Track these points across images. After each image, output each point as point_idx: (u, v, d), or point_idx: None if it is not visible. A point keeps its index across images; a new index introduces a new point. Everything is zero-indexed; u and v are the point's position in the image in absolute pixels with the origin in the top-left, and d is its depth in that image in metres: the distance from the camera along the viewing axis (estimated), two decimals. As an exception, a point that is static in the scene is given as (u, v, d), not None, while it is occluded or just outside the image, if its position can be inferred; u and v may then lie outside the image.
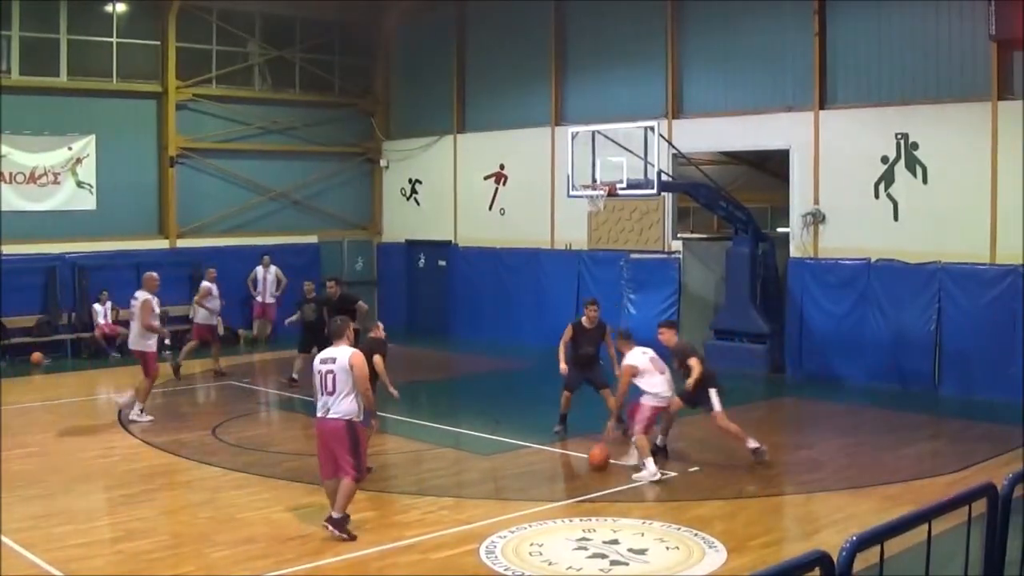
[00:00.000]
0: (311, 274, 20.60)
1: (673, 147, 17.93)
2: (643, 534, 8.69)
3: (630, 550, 8.24)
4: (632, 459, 11.00)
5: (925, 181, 15.82)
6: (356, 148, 24.37)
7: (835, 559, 3.41)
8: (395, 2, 23.68)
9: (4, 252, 18.93)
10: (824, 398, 15.52)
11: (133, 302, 13.82)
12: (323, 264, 22.75)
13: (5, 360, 18.64)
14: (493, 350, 18.71)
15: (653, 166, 15.92)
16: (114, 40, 20.76)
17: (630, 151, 16.05)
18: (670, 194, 18.15)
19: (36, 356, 18.69)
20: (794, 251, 17.36)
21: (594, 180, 16.30)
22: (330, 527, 8.49)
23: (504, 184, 21.92)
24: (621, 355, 11.59)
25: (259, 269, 21.52)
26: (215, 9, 22.03)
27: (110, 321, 19.90)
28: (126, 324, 20.14)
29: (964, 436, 12.70)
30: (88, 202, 20.44)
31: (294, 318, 16.83)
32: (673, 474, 10.82)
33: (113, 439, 12.66)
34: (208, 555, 8.22)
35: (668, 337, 11.77)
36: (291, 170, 23.39)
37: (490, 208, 22.12)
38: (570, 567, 7.88)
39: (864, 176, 16.38)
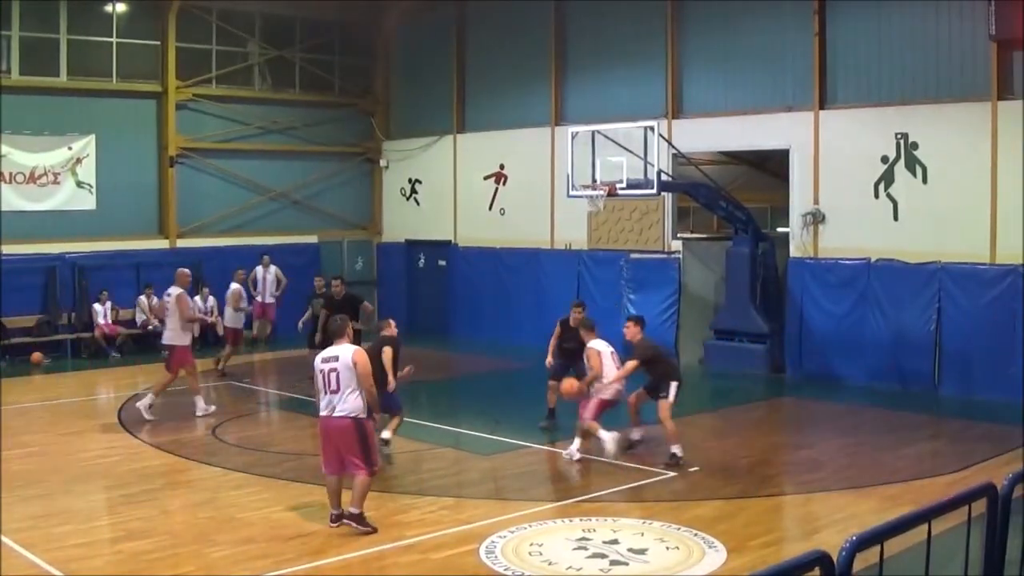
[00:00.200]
0: (311, 274, 20.61)
1: (673, 147, 17.93)
2: (643, 534, 8.69)
3: (630, 550, 8.24)
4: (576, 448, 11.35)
5: (925, 181, 15.82)
6: (356, 148, 24.37)
7: (835, 559, 3.41)
8: (395, 2, 23.68)
9: (4, 252, 18.93)
10: (824, 398, 15.52)
11: (167, 299, 14.00)
12: (323, 264, 22.74)
13: (5, 360, 18.64)
14: (493, 350, 18.71)
15: (653, 166, 15.92)
16: (114, 40, 20.76)
17: (630, 151, 16.05)
18: (670, 194, 18.16)
19: (36, 356, 18.69)
20: (794, 251, 17.36)
21: (594, 180, 16.31)
22: (352, 524, 8.60)
23: (504, 184, 21.92)
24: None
25: (259, 269, 21.49)
26: (215, 9, 22.04)
27: (110, 321, 19.90)
28: (126, 324, 20.29)
29: (964, 436, 12.70)
30: (88, 202, 20.44)
31: (306, 316, 16.84)
32: (673, 474, 10.82)
33: (113, 439, 12.66)
34: (208, 555, 8.22)
35: (633, 333, 11.81)
36: (291, 170, 23.39)
37: (490, 208, 22.13)
38: (570, 567, 7.88)
39: (864, 176, 16.38)
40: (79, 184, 20.34)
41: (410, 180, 23.96)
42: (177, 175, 21.51)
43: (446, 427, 13.64)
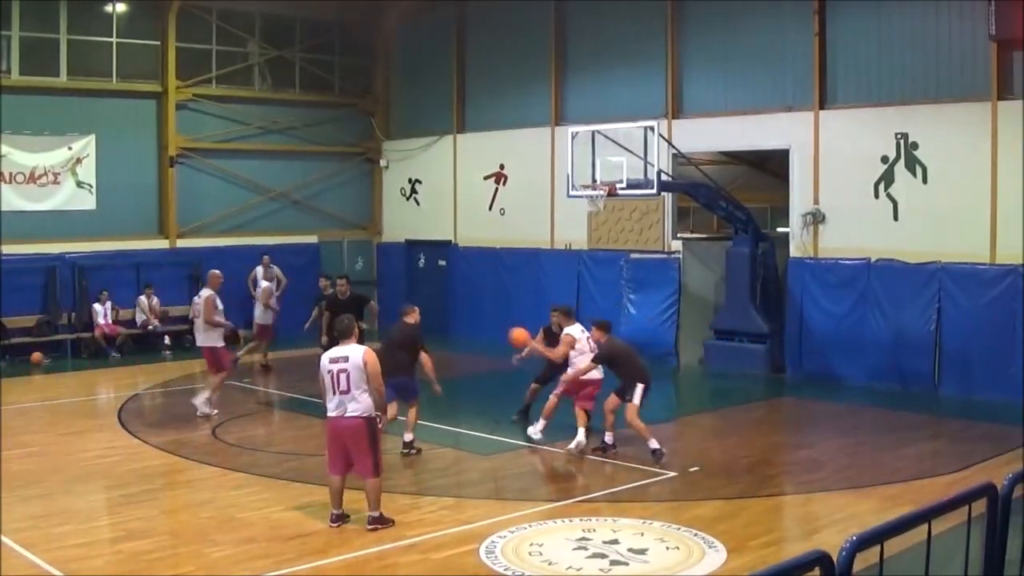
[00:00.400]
0: (311, 274, 20.63)
1: (673, 147, 17.93)
2: (643, 534, 8.69)
3: (630, 550, 8.24)
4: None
5: (925, 181, 15.82)
6: (356, 148, 24.37)
7: (835, 559, 3.41)
8: (395, 2, 23.68)
9: (4, 252, 18.93)
10: (824, 398, 15.52)
11: (196, 300, 14.29)
12: (323, 264, 22.74)
13: (5, 360, 18.64)
14: (493, 350, 18.66)
15: (653, 166, 15.93)
16: (114, 40, 20.76)
17: (630, 151, 16.06)
18: (670, 194, 18.16)
19: (36, 356, 18.69)
20: (794, 251, 17.36)
21: (594, 180, 16.32)
22: (378, 526, 8.69)
23: (504, 184, 21.92)
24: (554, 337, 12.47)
25: (259, 269, 21.50)
26: (215, 9, 22.03)
27: (110, 321, 19.90)
28: (126, 324, 20.29)
29: (964, 436, 12.71)
30: (88, 202, 20.44)
31: (313, 316, 16.87)
32: (673, 474, 10.83)
33: (113, 439, 12.66)
34: (208, 555, 8.22)
35: (596, 336, 11.94)
36: (291, 170, 23.39)
37: (490, 208, 22.13)
38: (570, 567, 7.88)
39: (864, 176, 16.38)
40: (79, 184, 20.33)
41: (410, 180, 23.96)
42: (177, 175, 21.51)
43: (446, 427, 13.63)
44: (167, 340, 20.41)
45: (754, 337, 17.46)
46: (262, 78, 23.15)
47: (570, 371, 11.84)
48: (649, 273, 19.06)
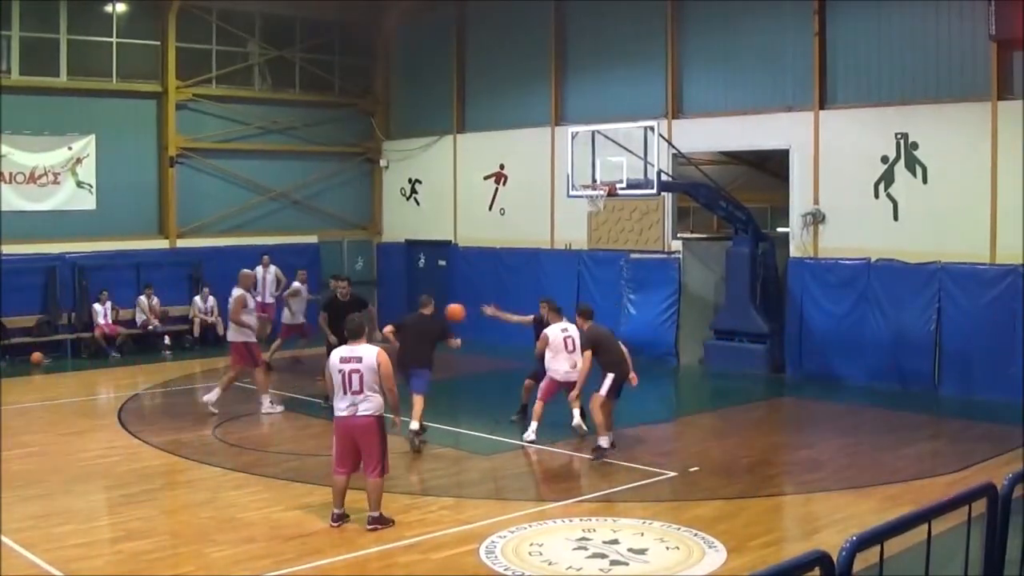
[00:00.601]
0: (311, 274, 20.61)
1: (673, 147, 17.94)
2: (643, 534, 8.69)
3: (630, 550, 8.24)
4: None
5: (925, 181, 15.82)
6: (356, 148, 24.37)
7: (835, 559, 3.41)
8: (395, 2, 23.68)
9: (4, 252, 18.93)
10: (824, 398, 15.52)
11: (230, 298, 14.56)
12: (323, 264, 22.75)
13: (5, 360, 18.64)
14: (493, 350, 18.68)
15: (653, 166, 15.93)
16: (114, 40, 20.76)
17: (630, 151, 16.06)
18: (670, 194, 18.16)
19: (36, 356, 18.68)
20: (794, 251, 17.36)
21: (594, 180, 16.31)
22: (378, 526, 8.71)
23: (504, 184, 21.92)
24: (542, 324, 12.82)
25: (259, 269, 21.50)
26: (215, 9, 22.04)
27: (110, 321, 19.90)
28: (126, 324, 20.29)
29: (964, 436, 12.70)
30: (88, 202, 20.44)
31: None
32: (673, 474, 10.83)
33: (113, 439, 12.66)
34: (208, 555, 8.22)
35: (580, 324, 12.14)
36: (291, 170, 23.39)
37: (490, 208, 22.13)
38: (570, 567, 7.88)
39: (864, 176, 16.38)
40: (79, 184, 20.33)
41: (410, 180, 23.97)
42: (177, 175, 21.51)
43: (446, 427, 13.62)
44: (167, 340, 20.41)
45: (754, 337, 17.47)
46: (262, 78, 23.15)
47: (558, 358, 12.01)
48: (649, 273, 19.07)
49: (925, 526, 3.92)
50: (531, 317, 13.61)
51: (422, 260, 23.59)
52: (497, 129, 21.88)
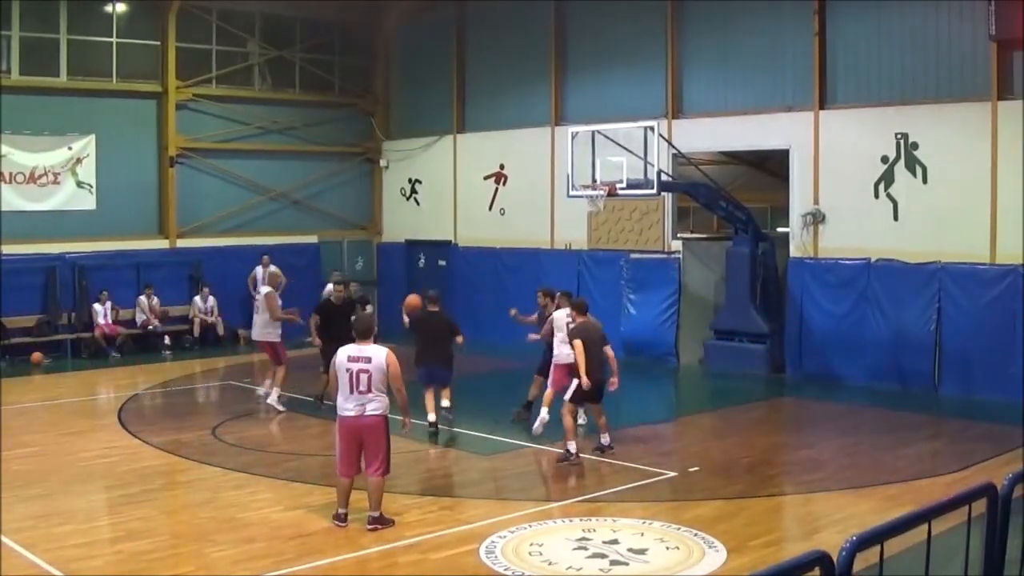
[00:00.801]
0: (311, 274, 20.63)
1: (673, 147, 17.94)
2: (643, 534, 8.69)
3: (630, 550, 8.24)
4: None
5: (925, 181, 15.82)
6: (356, 148, 24.37)
7: (835, 559, 3.41)
8: (395, 2, 23.68)
9: (4, 252, 18.93)
10: (824, 398, 15.52)
11: (257, 296, 14.90)
12: (323, 264, 22.76)
13: (5, 360, 18.64)
14: (493, 350, 18.69)
15: (653, 166, 15.93)
16: (114, 40, 20.76)
17: (630, 151, 16.06)
18: (670, 194, 18.16)
19: (36, 356, 18.69)
20: (794, 251, 17.36)
21: (594, 180, 16.32)
22: (378, 526, 8.71)
23: (504, 184, 21.92)
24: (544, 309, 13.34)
25: (259, 269, 21.52)
26: (215, 9, 22.03)
27: (110, 321, 19.90)
28: (126, 324, 20.29)
29: (964, 436, 12.71)
30: (88, 202, 20.44)
31: (316, 323, 16.82)
32: (673, 474, 10.83)
33: (113, 439, 12.66)
34: (208, 555, 8.22)
35: (572, 315, 12.12)
36: (291, 170, 23.39)
37: (490, 208, 22.13)
38: (570, 567, 7.88)
39: (864, 176, 16.38)
40: (79, 184, 20.33)
41: (410, 180, 23.97)
42: (177, 175, 21.51)
43: (446, 427, 13.63)
44: (167, 340, 20.41)
45: (754, 337, 17.47)
46: (262, 78, 23.15)
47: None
48: (649, 273, 19.07)
49: (925, 526, 3.92)
50: (534, 316, 13.77)
51: (422, 260, 23.59)
52: (497, 129, 21.88)
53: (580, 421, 12.27)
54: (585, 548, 8.31)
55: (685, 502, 9.85)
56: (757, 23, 17.96)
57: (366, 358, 8.69)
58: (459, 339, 13.23)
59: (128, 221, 20.98)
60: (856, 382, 16.22)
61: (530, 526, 8.92)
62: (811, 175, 17.09)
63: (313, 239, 23.46)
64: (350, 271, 23.37)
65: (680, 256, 18.86)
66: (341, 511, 8.88)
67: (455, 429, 13.46)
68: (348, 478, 8.83)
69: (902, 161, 16.03)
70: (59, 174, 20.09)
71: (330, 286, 16.93)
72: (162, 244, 21.42)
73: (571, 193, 17.02)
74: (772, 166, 20.84)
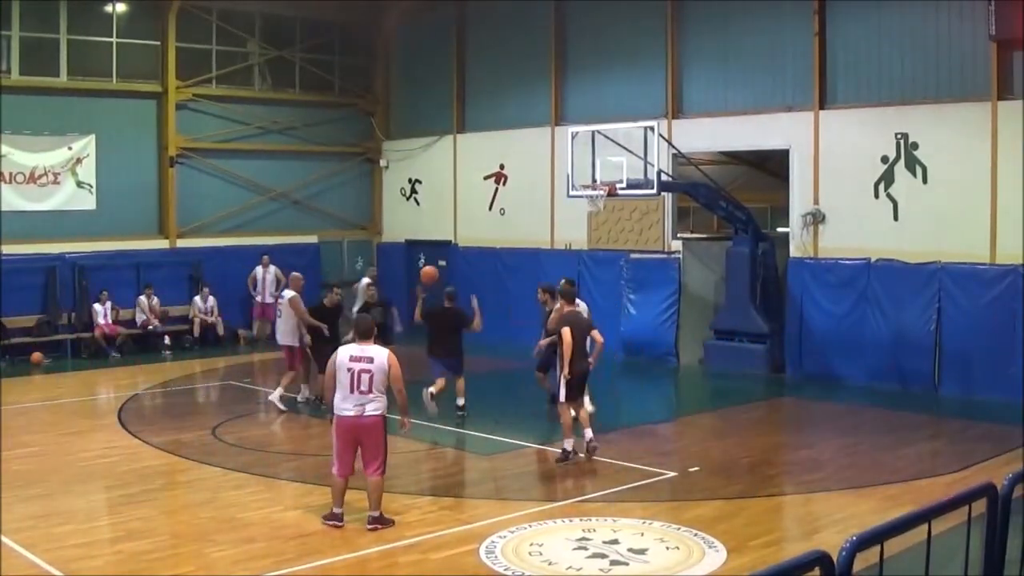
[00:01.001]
0: (311, 274, 20.59)
1: (673, 147, 17.94)
2: (643, 534, 8.69)
3: (630, 550, 8.24)
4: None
5: (925, 181, 15.82)
6: (356, 148, 24.38)
7: (835, 559, 3.41)
8: (395, 2, 23.68)
9: (4, 252, 18.93)
10: (824, 398, 15.52)
11: (280, 300, 14.90)
12: (323, 264, 22.76)
13: (5, 360, 18.63)
14: (493, 350, 18.69)
15: (653, 166, 15.93)
16: (114, 40, 20.76)
17: (630, 151, 16.06)
18: (670, 194, 18.16)
19: (36, 356, 18.68)
20: (794, 251, 17.36)
21: (594, 180, 16.32)
22: (379, 526, 8.71)
23: (504, 184, 21.92)
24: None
25: (259, 269, 21.53)
26: (215, 9, 22.04)
27: (110, 321, 19.90)
28: (126, 324, 20.29)
29: (964, 436, 12.71)
30: (88, 202, 20.44)
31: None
32: (673, 474, 10.83)
33: (113, 439, 12.66)
34: (208, 555, 8.22)
35: (561, 305, 11.98)
36: (291, 170, 23.39)
37: (490, 208, 22.13)
38: (570, 567, 7.88)
39: (864, 176, 16.38)
40: (79, 184, 20.33)
41: (410, 180, 23.97)
42: (177, 175, 21.52)
43: (446, 427, 13.64)
44: (167, 340, 20.41)
45: (754, 337, 17.46)
46: (262, 78, 23.15)
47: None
48: (649, 273, 19.07)
49: (925, 526, 3.92)
50: (548, 341, 13.06)
51: (422, 260, 23.56)
52: (497, 129, 21.88)
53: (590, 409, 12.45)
54: (585, 548, 8.31)
55: (685, 502, 9.85)
56: (757, 23, 17.96)
57: (368, 358, 8.69)
58: (476, 323, 13.63)
59: (128, 221, 20.98)
60: (856, 382, 16.22)
61: (530, 526, 8.92)
62: (811, 175, 17.09)
63: (313, 239, 23.46)
64: (350, 271, 23.40)
65: (680, 256, 18.86)
66: (336, 511, 8.87)
67: (455, 429, 13.47)
68: (343, 478, 8.83)
69: (902, 161, 16.03)
70: (59, 174, 20.09)
71: (365, 280, 17.18)
72: (162, 244, 21.42)
73: (571, 193, 17.02)
74: (772, 166, 20.84)
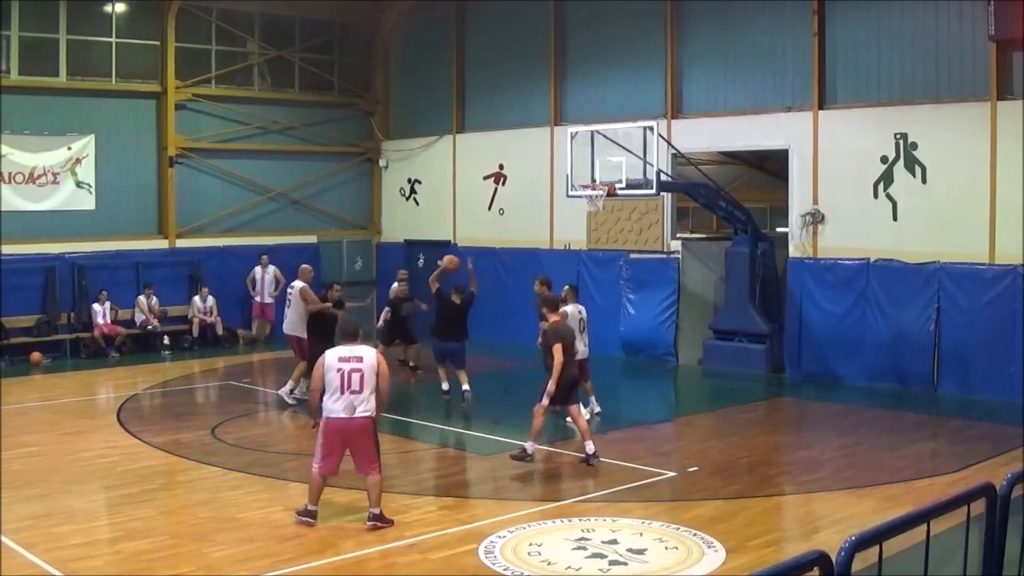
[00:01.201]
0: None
1: (672, 147, 17.94)
2: (642, 534, 8.69)
3: (629, 550, 8.25)
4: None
5: (924, 181, 15.83)
6: (356, 148, 24.37)
7: (834, 559, 3.41)
8: (395, 2, 23.68)
9: (4, 252, 18.92)
10: (823, 398, 15.52)
11: (289, 291, 15.06)
12: (323, 264, 22.75)
13: (5, 360, 18.63)
14: (493, 350, 18.69)
15: (652, 166, 15.93)
16: (114, 40, 20.75)
17: (629, 151, 16.06)
18: (669, 194, 18.17)
19: (36, 356, 18.68)
20: (793, 251, 17.37)
21: (593, 180, 16.31)
22: (378, 523, 8.71)
23: (503, 184, 21.92)
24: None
25: (257, 269, 21.53)
26: (215, 9, 22.03)
27: (109, 321, 19.90)
28: (125, 324, 20.29)
29: (964, 436, 12.71)
30: (87, 202, 20.43)
31: (386, 316, 17.22)
32: (673, 474, 10.83)
33: (113, 439, 12.66)
34: (208, 555, 8.22)
35: (548, 315, 11.74)
36: (291, 170, 23.39)
37: (489, 208, 22.13)
38: (569, 567, 7.88)
39: (863, 176, 16.38)
40: (79, 184, 20.33)
41: (409, 180, 23.97)
42: (177, 175, 21.51)
43: (446, 427, 13.64)
44: (166, 340, 20.42)
45: (754, 337, 17.46)
46: (262, 78, 23.14)
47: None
48: (649, 273, 19.07)
49: (924, 526, 3.92)
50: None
51: (422, 260, 23.56)
52: (496, 129, 21.89)
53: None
54: (584, 548, 8.31)
55: (684, 502, 9.86)
56: (757, 23, 17.96)
57: (358, 357, 8.76)
58: (472, 286, 14.99)
59: (127, 221, 20.98)
60: (855, 382, 16.22)
61: (529, 526, 8.92)
62: (810, 175, 17.09)
63: (312, 239, 23.45)
64: (349, 271, 23.40)
65: (679, 256, 18.87)
66: (311, 508, 8.88)
67: (455, 429, 13.49)
68: (323, 477, 8.85)
69: (902, 161, 16.04)
70: (59, 174, 20.08)
71: (396, 284, 17.54)
72: (161, 244, 21.42)
73: (570, 193, 17.02)
74: (772, 166, 20.85)
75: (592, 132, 16.60)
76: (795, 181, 17.37)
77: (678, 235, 19.27)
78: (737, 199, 17.76)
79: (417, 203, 23.88)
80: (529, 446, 11.09)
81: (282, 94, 23.25)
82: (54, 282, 19.62)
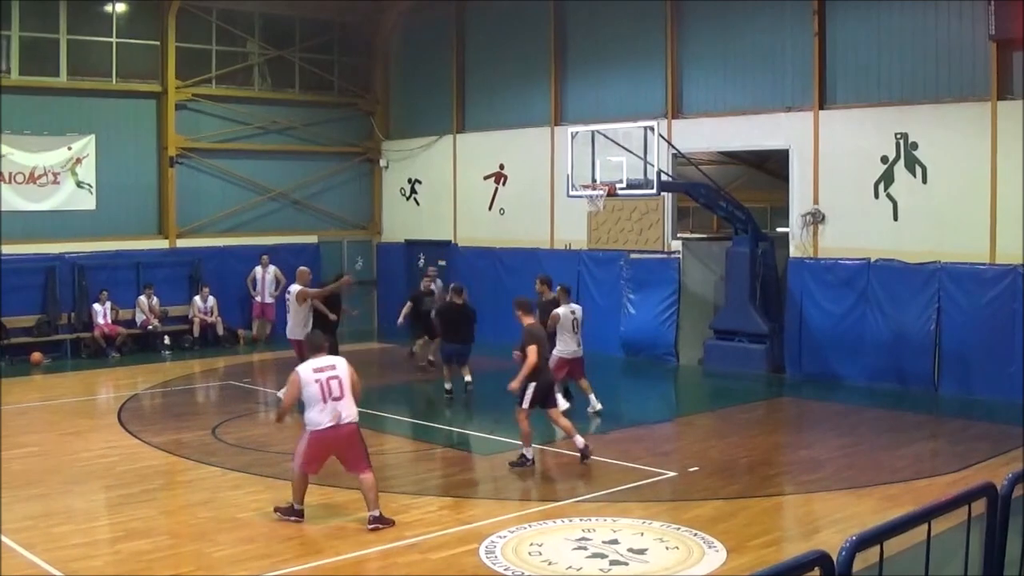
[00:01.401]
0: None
1: (673, 147, 17.94)
2: (643, 534, 8.69)
3: (630, 550, 8.24)
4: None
5: (925, 181, 15.83)
6: (356, 148, 24.37)
7: (835, 559, 3.41)
8: (395, 2, 23.68)
9: (4, 252, 18.93)
10: (823, 398, 15.52)
11: (288, 295, 15.13)
12: (323, 264, 22.74)
13: (5, 360, 18.63)
14: (493, 350, 18.69)
15: (653, 166, 15.93)
16: (114, 40, 20.76)
17: (630, 151, 16.06)
18: (670, 194, 18.16)
19: (36, 356, 18.69)
20: (794, 251, 17.36)
21: (594, 180, 16.32)
22: (379, 526, 8.72)
23: (503, 184, 21.92)
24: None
25: (258, 269, 21.54)
26: (215, 9, 22.03)
27: (109, 321, 19.90)
28: (126, 324, 20.29)
29: (964, 436, 12.70)
30: (88, 202, 20.44)
31: (406, 311, 17.47)
32: (673, 474, 10.83)
33: (113, 439, 12.66)
34: (208, 555, 8.22)
35: (520, 318, 11.96)
36: (291, 170, 23.39)
37: (489, 208, 22.13)
38: (570, 567, 7.88)
39: (864, 176, 16.38)
40: (79, 184, 20.33)
41: (410, 180, 23.97)
42: (177, 175, 21.51)
43: (446, 427, 13.63)
44: (167, 340, 20.42)
45: (754, 337, 17.46)
46: (262, 78, 23.15)
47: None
48: (649, 273, 19.07)
49: (925, 526, 3.92)
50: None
51: (422, 260, 23.57)
52: (497, 129, 21.89)
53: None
54: (585, 548, 8.31)
55: (685, 502, 9.86)
56: (757, 23, 17.96)
57: (331, 366, 8.98)
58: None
59: (128, 221, 20.99)
60: (856, 382, 16.22)
61: (530, 526, 8.92)
62: (811, 175, 17.09)
63: (313, 239, 23.46)
64: (349, 271, 23.39)
65: (680, 256, 18.87)
66: (298, 507, 8.94)
67: (455, 429, 13.49)
68: (305, 475, 8.97)
69: (902, 161, 16.03)
70: (59, 174, 20.09)
71: (427, 281, 18.06)
72: (162, 244, 21.42)
73: (571, 193, 17.02)
74: (772, 166, 20.85)
75: (592, 132, 16.61)
76: (795, 181, 17.37)
77: (678, 235, 19.28)
78: (737, 199, 17.76)
79: (417, 203, 23.88)
80: (527, 452, 11.08)
81: (282, 94, 23.25)
82: (54, 282, 19.63)
